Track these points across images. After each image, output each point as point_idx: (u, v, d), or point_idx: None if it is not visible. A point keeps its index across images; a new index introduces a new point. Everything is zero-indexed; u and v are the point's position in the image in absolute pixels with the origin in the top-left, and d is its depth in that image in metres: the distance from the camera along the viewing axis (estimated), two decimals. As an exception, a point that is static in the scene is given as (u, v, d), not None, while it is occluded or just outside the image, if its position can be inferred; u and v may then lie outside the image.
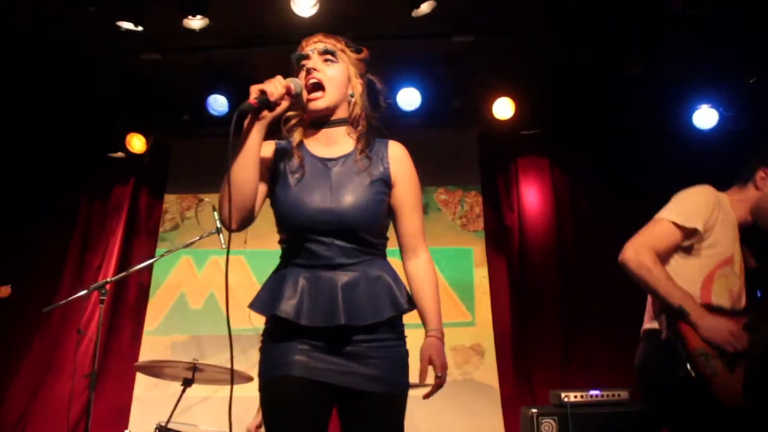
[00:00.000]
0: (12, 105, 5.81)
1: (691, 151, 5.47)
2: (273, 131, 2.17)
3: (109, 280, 4.26)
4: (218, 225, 4.32)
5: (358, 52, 2.29)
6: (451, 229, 6.03)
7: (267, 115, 2.04)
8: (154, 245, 6.09)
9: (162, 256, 4.54)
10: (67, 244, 6.11)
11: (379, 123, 2.28)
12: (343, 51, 2.24)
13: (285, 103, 2.07)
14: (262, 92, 2.00)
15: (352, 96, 2.22)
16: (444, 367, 2.12)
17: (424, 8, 4.52)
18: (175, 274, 6.04)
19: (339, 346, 2.05)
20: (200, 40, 5.05)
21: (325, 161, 2.18)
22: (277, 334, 2.09)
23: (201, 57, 5.37)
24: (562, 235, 5.89)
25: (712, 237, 2.82)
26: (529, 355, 5.62)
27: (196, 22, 4.64)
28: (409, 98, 5.44)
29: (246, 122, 2.05)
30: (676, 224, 2.80)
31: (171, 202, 6.28)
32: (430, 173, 6.08)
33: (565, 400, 4.04)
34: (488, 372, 5.60)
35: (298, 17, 4.67)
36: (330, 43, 2.22)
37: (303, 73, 2.17)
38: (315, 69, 2.16)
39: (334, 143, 2.22)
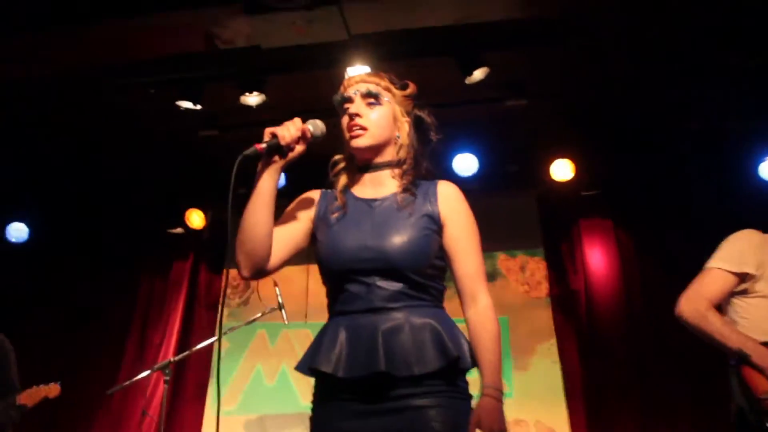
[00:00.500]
0: (75, 182, 5.99)
1: (759, 203, 5.29)
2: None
3: (172, 360, 4.26)
4: (279, 300, 4.32)
5: (404, 88, 2.15)
6: (516, 296, 5.93)
7: (278, 161, 1.97)
8: (214, 321, 6.10)
9: (224, 333, 4.53)
10: (128, 321, 6.17)
11: (428, 161, 2.14)
12: (387, 89, 2.11)
13: (300, 148, 1.99)
14: (273, 135, 1.94)
15: (398, 137, 2.10)
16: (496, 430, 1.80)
17: (478, 75, 4.54)
18: (251, 348, 6.05)
19: (384, 403, 1.82)
20: (257, 116, 5.15)
21: (368, 201, 2.05)
22: (321, 398, 1.94)
23: (258, 132, 5.45)
24: (630, 299, 5.67)
25: (766, 275, 2.81)
26: (603, 419, 5.35)
27: (253, 99, 4.76)
28: (465, 164, 5.43)
29: (259, 166, 1.99)
30: (726, 271, 2.83)
31: (231, 277, 6.32)
32: (490, 239, 6.02)
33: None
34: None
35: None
36: (373, 83, 2.10)
37: (346, 119, 2.08)
38: (358, 114, 2.05)
39: (380, 186, 2.09)
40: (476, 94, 4.95)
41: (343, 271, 1.94)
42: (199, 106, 4.78)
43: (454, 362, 1.86)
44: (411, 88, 2.17)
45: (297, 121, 1.97)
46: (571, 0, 4.22)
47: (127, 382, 4.20)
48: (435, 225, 1.99)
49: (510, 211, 6.06)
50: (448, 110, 5.23)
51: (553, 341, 5.71)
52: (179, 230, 6.09)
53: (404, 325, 1.86)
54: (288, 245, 2.04)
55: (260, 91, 4.73)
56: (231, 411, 5.76)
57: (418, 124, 2.15)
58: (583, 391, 5.51)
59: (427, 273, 1.96)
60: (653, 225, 5.81)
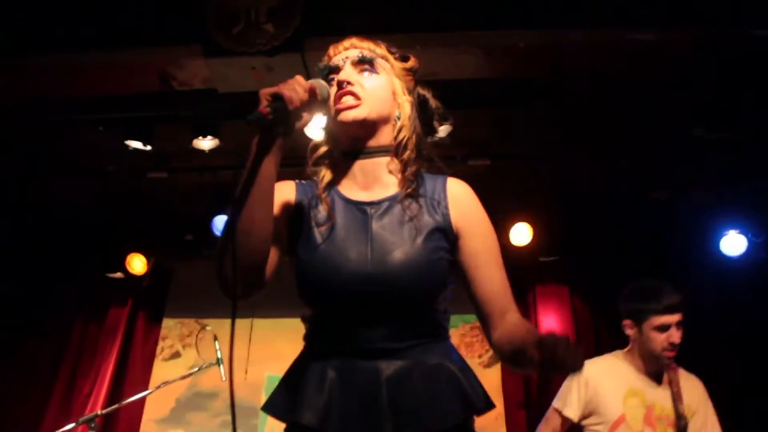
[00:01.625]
0: (11, 217, 5.74)
1: (719, 278, 5.32)
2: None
3: (99, 413, 3.98)
4: (219, 356, 4.12)
5: (405, 60, 1.77)
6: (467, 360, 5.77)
7: (282, 137, 1.50)
8: (149, 373, 5.84)
9: (157, 388, 4.29)
10: (57, 366, 5.88)
11: (436, 154, 1.79)
12: (384, 58, 1.73)
13: (308, 117, 1.57)
14: (277, 97, 1.45)
15: (398, 117, 1.70)
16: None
17: (441, 132, 4.47)
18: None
19: None
20: (207, 160, 5.02)
21: (362, 206, 1.63)
22: None
23: (208, 177, 5.32)
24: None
25: (595, 412, 3.03)
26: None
27: (206, 143, 4.64)
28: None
29: (254, 143, 1.46)
30: (558, 411, 3.14)
31: (170, 327, 6.08)
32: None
33: None
34: None
35: (309, 139, 4.63)
36: (367, 48, 1.70)
37: (333, 89, 1.66)
38: (349, 82, 1.64)
39: (375, 181, 1.67)
40: (439, 151, 4.88)
41: (334, 303, 1.55)
42: (149, 147, 4.62)
43: (476, 412, 1.54)
44: (413, 61, 1.79)
45: (300, 78, 1.52)
46: (539, 63, 4.21)
47: (48, 436, 3.94)
48: (447, 240, 1.61)
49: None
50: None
51: (501, 411, 5.57)
52: (119, 275, 5.84)
53: (413, 370, 1.50)
54: (274, 257, 1.60)
55: (214, 135, 4.60)
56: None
57: (422, 106, 1.79)
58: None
59: (438, 299, 1.62)
60: (610, 293, 5.77)
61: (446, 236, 1.61)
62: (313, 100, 1.55)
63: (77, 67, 4.17)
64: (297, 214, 1.66)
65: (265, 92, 1.45)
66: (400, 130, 1.68)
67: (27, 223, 5.84)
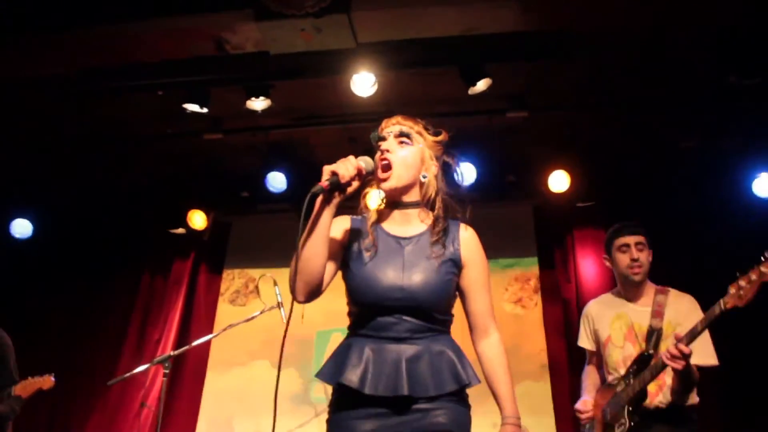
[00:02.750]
0: (82, 180, 5.96)
1: (751, 218, 5.31)
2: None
3: (172, 354, 4.23)
4: (279, 299, 4.29)
5: (437, 134, 2.30)
6: (509, 303, 5.93)
7: (338, 196, 2.07)
8: (213, 320, 6.08)
9: (222, 330, 4.49)
10: (128, 317, 6.16)
11: (455, 203, 2.27)
12: (419, 133, 2.26)
13: (356, 184, 2.10)
14: (334, 174, 2.03)
15: (424, 177, 2.22)
16: None
17: (480, 86, 4.53)
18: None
19: (402, 413, 2.04)
20: (261, 120, 5.14)
21: (398, 239, 2.20)
22: (343, 405, 2.10)
23: (261, 136, 5.46)
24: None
25: (598, 340, 3.45)
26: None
27: (258, 104, 4.75)
28: (465, 173, 5.39)
29: (318, 202, 2.05)
30: (581, 347, 3.62)
31: (233, 277, 6.29)
32: (487, 247, 6.01)
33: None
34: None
35: (357, 97, 4.73)
36: (407, 125, 2.25)
37: (378, 154, 2.22)
38: (388, 150, 2.19)
39: (408, 224, 2.24)
40: (478, 104, 4.95)
41: (374, 303, 2.11)
42: (205, 110, 4.75)
43: (464, 387, 2.11)
44: (443, 136, 2.32)
45: (351, 159, 2.08)
46: (573, 15, 4.22)
47: (127, 374, 4.17)
48: (456, 268, 2.19)
49: (507, 220, 6.07)
50: (451, 119, 5.23)
51: (543, 348, 5.69)
52: (181, 230, 6.06)
53: (424, 353, 2.07)
54: (331, 272, 2.17)
55: (266, 96, 4.71)
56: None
57: (446, 170, 2.32)
58: (571, 400, 5.48)
59: (444, 309, 2.19)
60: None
61: (456, 266, 2.19)
62: (360, 174, 2.10)
63: (137, 36, 4.30)
64: (351, 241, 2.22)
65: (327, 168, 2.04)
66: (427, 188, 2.23)
67: (95, 186, 6.06)
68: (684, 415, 3.10)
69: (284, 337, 2.04)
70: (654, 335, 3.18)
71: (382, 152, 2.20)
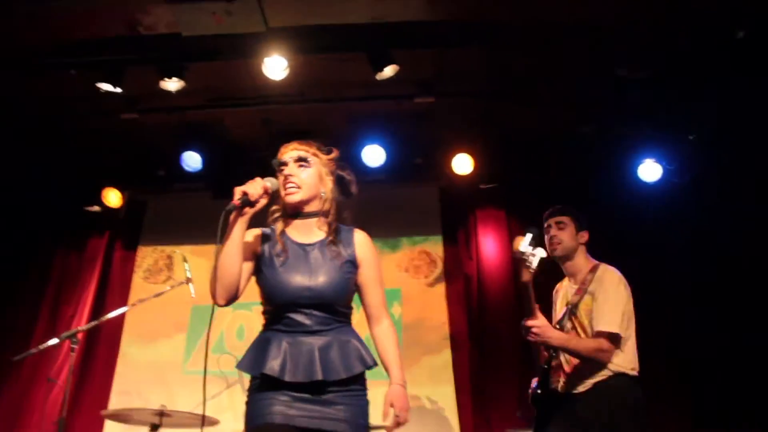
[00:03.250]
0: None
1: (636, 202, 5.69)
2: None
3: (79, 329, 4.20)
4: (188, 275, 4.37)
5: (329, 153, 2.59)
6: (413, 278, 6.18)
7: (249, 212, 2.36)
8: (127, 296, 6.08)
9: (133, 305, 4.54)
10: (41, 294, 6.10)
11: (349, 212, 2.62)
12: (315, 155, 2.54)
13: (264, 201, 2.40)
14: (244, 194, 2.32)
15: (323, 194, 2.53)
16: (404, 409, 2.43)
17: (388, 72, 4.70)
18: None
19: (314, 396, 2.34)
20: (176, 101, 5.17)
21: (303, 246, 2.50)
22: (261, 390, 2.36)
23: (176, 116, 5.48)
24: (518, 282, 5.97)
25: None
26: (487, 396, 5.66)
27: (172, 84, 4.78)
28: (373, 155, 5.58)
29: (231, 218, 2.34)
30: None
31: (146, 254, 6.31)
32: (394, 226, 6.23)
33: (522, 440, 4.10)
34: (448, 412, 5.64)
35: (269, 80, 4.83)
36: (303, 150, 2.53)
37: (281, 178, 2.50)
38: (291, 175, 2.48)
39: (309, 232, 2.53)
40: (388, 89, 5.12)
41: (288, 303, 2.39)
42: (119, 89, 4.76)
43: (368, 368, 2.43)
44: (334, 153, 2.61)
45: (259, 180, 2.38)
46: (478, 5, 4.42)
47: (34, 350, 4.13)
48: (353, 267, 2.50)
49: (414, 201, 6.30)
50: (360, 104, 5.41)
51: (446, 321, 5.96)
52: (96, 208, 6.03)
53: (333, 342, 2.39)
54: (246, 277, 2.45)
55: (180, 77, 4.76)
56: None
57: (339, 181, 2.59)
58: (470, 371, 5.77)
59: (346, 303, 2.51)
60: (542, 216, 6.12)
61: (353, 265, 2.51)
62: (267, 192, 2.39)
63: (50, 15, 4.28)
64: (263, 249, 2.49)
65: (238, 189, 2.32)
66: (325, 201, 2.53)
67: (9, 162, 5.93)
68: (602, 389, 3.13)
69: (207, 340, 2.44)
70: (569, 311, 3.35)
71: (286, 177, 2.49)
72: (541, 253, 3.06)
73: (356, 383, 2.42)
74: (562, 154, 5.86)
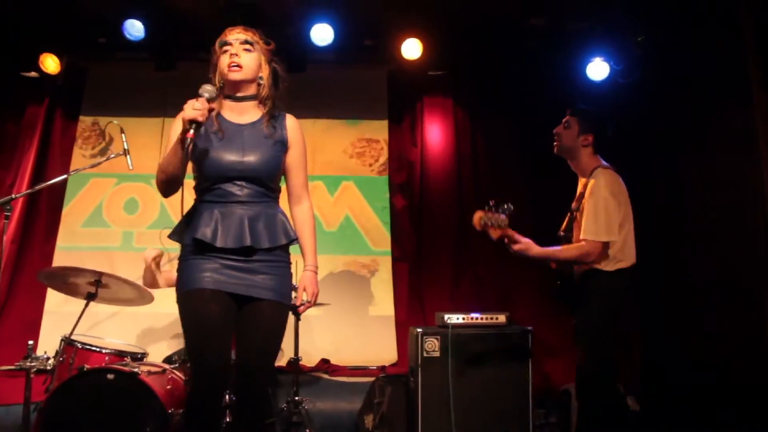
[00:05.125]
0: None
1: (583, 99, 5.62)
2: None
3: (14, 196, 4.06)
4: (125, 146, 4.24)
5: (268, 44, 2.71)
6: (353, 161, 6.15)
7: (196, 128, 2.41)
8: (68, 165, 5.91)
9: (70, 174, 4.42)
10: (-22, 162, 5.89)
11: (280, 100, 2.72)
12: (257, 42, 2.66)
13: (211, 112, 2.49)
14: (194, 121, 2.37)
15: (261, 78, 2.66)
16: (315, 294, 2.65)
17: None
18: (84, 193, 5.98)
19: (242, 264, 2.51)
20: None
21: (238, 126, 2.63)
22: (192, 256, 2.52)
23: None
24: (461, 171, 6.02)
25: None
26: (423, 282, 5.80)
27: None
28: (322, 34, 5.36)
29: (179, 139, 2.42)
30: None
31: (88, 123, 6.10)
32: (340, 107, 6.12)
33: (448, 321, 4.21)
34: (385, 296, 5.79)
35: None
36: (249, 35, 2.65)
37: (225, 57, 2.61)
38: (236, 55, 2.59)
39: (245, 113, 2.67)
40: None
41: (222, 176, 2.53)
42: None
43: (291, 241, 2.61)
44: (272, 45, 2.72)
45: (200, 100, 2.42)
46: None
47: (-32, 218, 4.02)
48: (284, 148, 2.66)
49: (361, 83, 6.17)
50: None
51: (386, 203, 6.01)
52: (33, 74, 5.73)
53: (262, 214, 2.55)
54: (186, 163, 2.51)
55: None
56: (63, 247, 5.80)
57: (273, 72, 2.71)
58: (409, 252, 5.89)
59: (275, 181, 2.65)
60: (489, 108, 6.09)
61: (284, 146, 2.67)
62: (211, 108, 2.46)
63: None
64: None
65: (185, 119, 2.37)
66: (262, 87, 2.66)
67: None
68: (590, 278, 3.37)
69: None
70: (570, 218, 3.55)
71: (231, 56, 2.59)
72: (507, 209, 3.21)
73: (281, 255, 2.60)
74: (512, 46, 5.72)
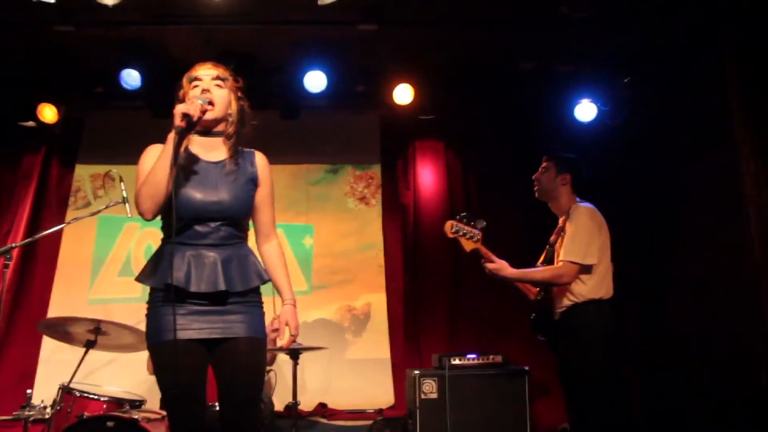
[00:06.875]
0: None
1: (571, 141, 5.72)
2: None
3: (14, 245, 4.13)
4: (124, 195, 4.28)
5: (237, 81, 2.67)
6: (348, 206, 6.21)
7: (185, 131, 2.39)
8: (64, 214, 5.97)
9: (68, 223, 4.45)
10: (-26, 210, 5.91)
11: (249, 134, 2.69)
12: (228, 78, 2.62)
13: (198, 117, 2.44)
14: (187, 115, 2.36)
15: (230, 116, 2.60)
16: (297, 327, 2.62)
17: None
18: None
19: (214, 307, 2.45)
20: (114, 15, 4.94)
21: (209, 163, 2.55)
22: (162, 303, 2.43)
23: (115, 32, 5.24)
24: (454, 213, 6.04)
25: None
26: (419, 323, 5.81)
27: (109, -1, 4.54)
28: (315, 81, 5.46)
29: (170, 138, 2.37)
30: None
31: (83, 179, 6.16)
32: (333, 152, 6.21)
33: (445, 363, 4.22)
34: (380, 339, 5.80)
35: (212, -1, 4.65)
36: (220, 71, 2.62)
37: (197, 91, 2.54)
38: (208, 90, 2.53)
39: (213, 150, 2.59)
40: (330, 15, 4.97)
41: (195, 217, 2.45)
42: (53, 0, 4.50)
43: (264, 282, 2.58)
44: (241, 82, 2.68)
45: (194, 101, 2.43)
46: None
47: (-33, 266, 4.04)
48: (254, 185, 2.61)
49: (354, 128, 6.27)
50: (303, 28, 5.25)
51: (381, 248, 6.06)
52: (31, 123, 5.81)
53: (234, 257, 2.49)
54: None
55: (116, -10, 4.51)
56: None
57: (241, 110, 2.65)
58: (404, 295, 5.90)
59: (247, 220, 2.62)
60: (480, 150, 6.18)
61: (254, 183, 2.61)
62: (204, 112, 2.45)
63: None
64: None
65: (178, 111, 2.35)
66: (231, 123, 2.60)
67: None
68: (573, 314, 3.39)
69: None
70: (548, 251, 3.62)
71: (203, 90, 2.53)
72: (480, 224, 3.30)
73: (253, 296, 2.55)
74: (502, 89, 5.84)
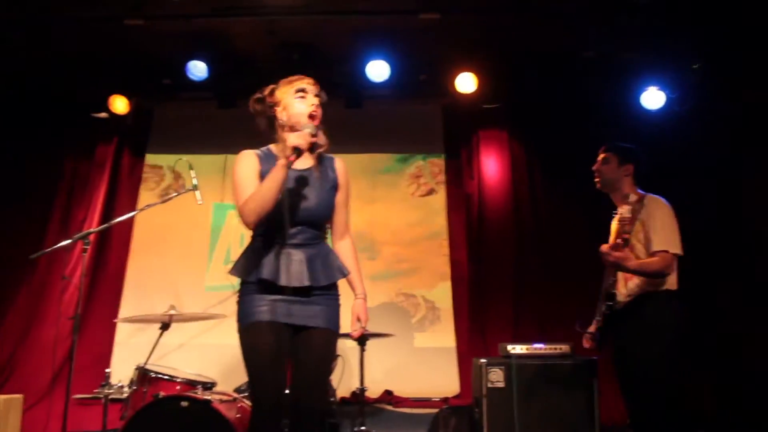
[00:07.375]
0: (3, 65, 5.77)
1: (638, 128, 5.60)
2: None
3: (91, 230, 4.29)
4: (194, 182, 4.37)
5: (323, 97, 2.85)
6: (413, 195, 6.23)
7: (295, 158, 2.61)
8: (136, 201, 6.15)
9: (141, 210, 4.58)
10: (52, 198, 6.15)
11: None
12: (320, 95, 2.82)
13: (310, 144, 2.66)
14: (296, 148, 2.57)
15: (320, 127, 2.79)
16: (367, 320, 2.83)
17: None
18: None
19: (298, 298, 2.67)
20: (181, 9, 5.05)
21: (297, 171, 2.74)
22: (252, 292, 2.68)
23: (182, 24, 5.36)
24: (518, 202, 6.05)
25: None
26: (484, 313, 5.79)
27: (177, -8, 4.65)
28: (378, 70, 5.48)
29: (283, 165, 2.56)
30: None
31: (152, 170, 6.35)
32: (398, 142, 6.22)
33: (512, 351, 4.20)
34: (446, 327, 5.81)
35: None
36: (317, 89, 2.82)
37: (304, 102, 2.76)
38: (318, 106, 2.77)
39: (301, 158, 2.72)
40: (392, 4, 4.98)
41: (283, 219, 2.63)
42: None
43: (344, 276, 2.81)
44: (324, 96, 2.87)
45: (304, 134, 2.61)
46: None
47: (49, 249, 4.22)
48: (335, 191, 2.84)
49: (417, 118, 6.25)
50: (364, 17, 5.27)
51: (446, 237, 6.05)
52: (104, 115, 6.00)
53: (318, 255, 2.72)
54: None
55: (185, -17, 4.61)
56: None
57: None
58: (468, 284, 5.89)
59: (328, 221, 2.86)
60: (544, 139, 6.09)
61: (335, 188, 2.84)
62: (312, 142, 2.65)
63: None
64: (262, 171, 2.70)
65: (290, 146, 2.55)
66: (319, 136, 2.75)
67: (17, 69, 5.85)
68: (645, 302, 3.35)
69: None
70: (620, 237, 3.44)
71: (313, 104, 2.75)
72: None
73: (333, 290, 2.79)
74: (565, 78, 5.75)
